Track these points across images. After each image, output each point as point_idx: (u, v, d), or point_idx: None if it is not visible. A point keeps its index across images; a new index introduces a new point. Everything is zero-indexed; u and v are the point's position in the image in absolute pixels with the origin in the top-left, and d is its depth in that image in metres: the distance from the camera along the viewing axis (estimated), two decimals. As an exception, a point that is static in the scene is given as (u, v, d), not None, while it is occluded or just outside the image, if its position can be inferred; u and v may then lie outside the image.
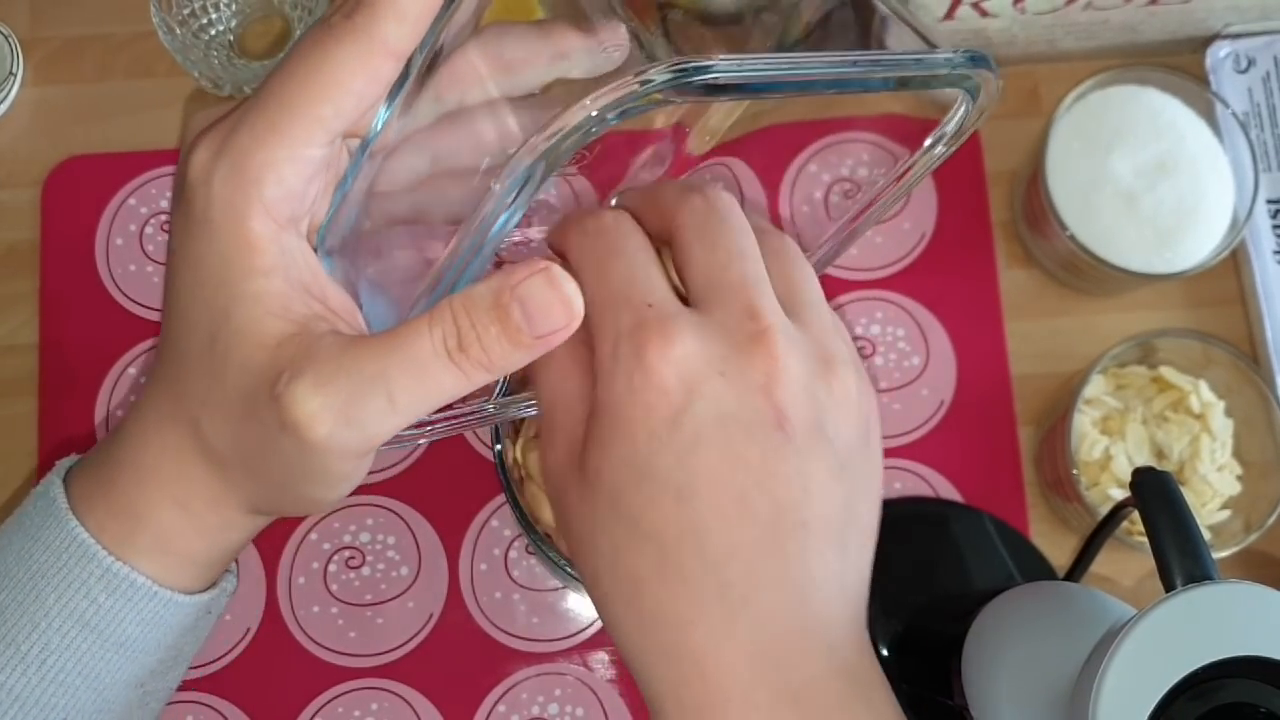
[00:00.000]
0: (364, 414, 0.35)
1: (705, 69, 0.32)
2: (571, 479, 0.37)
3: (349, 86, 0.36)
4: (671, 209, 0.38)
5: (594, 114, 0.32)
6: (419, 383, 0.35)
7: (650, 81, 0.32)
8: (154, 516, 0.40)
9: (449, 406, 0.40)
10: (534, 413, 0.51)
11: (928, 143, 0.39)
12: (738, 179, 0.67)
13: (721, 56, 0.32)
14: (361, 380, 0.35)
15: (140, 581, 0.40)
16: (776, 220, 0.67)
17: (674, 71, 0.32)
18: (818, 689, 0.35)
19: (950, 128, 0.38)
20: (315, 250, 0.38)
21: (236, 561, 0.45)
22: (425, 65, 0.37)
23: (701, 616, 0.35)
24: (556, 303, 0.34)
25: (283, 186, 0.36)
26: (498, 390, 0.46)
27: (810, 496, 0.36)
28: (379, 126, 0.37)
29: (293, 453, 0.36)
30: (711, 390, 0.35)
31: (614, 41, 0.40)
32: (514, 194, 0.33)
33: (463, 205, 0.38)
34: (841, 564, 0.37)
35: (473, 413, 0.45)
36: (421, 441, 0.54)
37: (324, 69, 0.35)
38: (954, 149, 0.39)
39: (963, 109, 0.37)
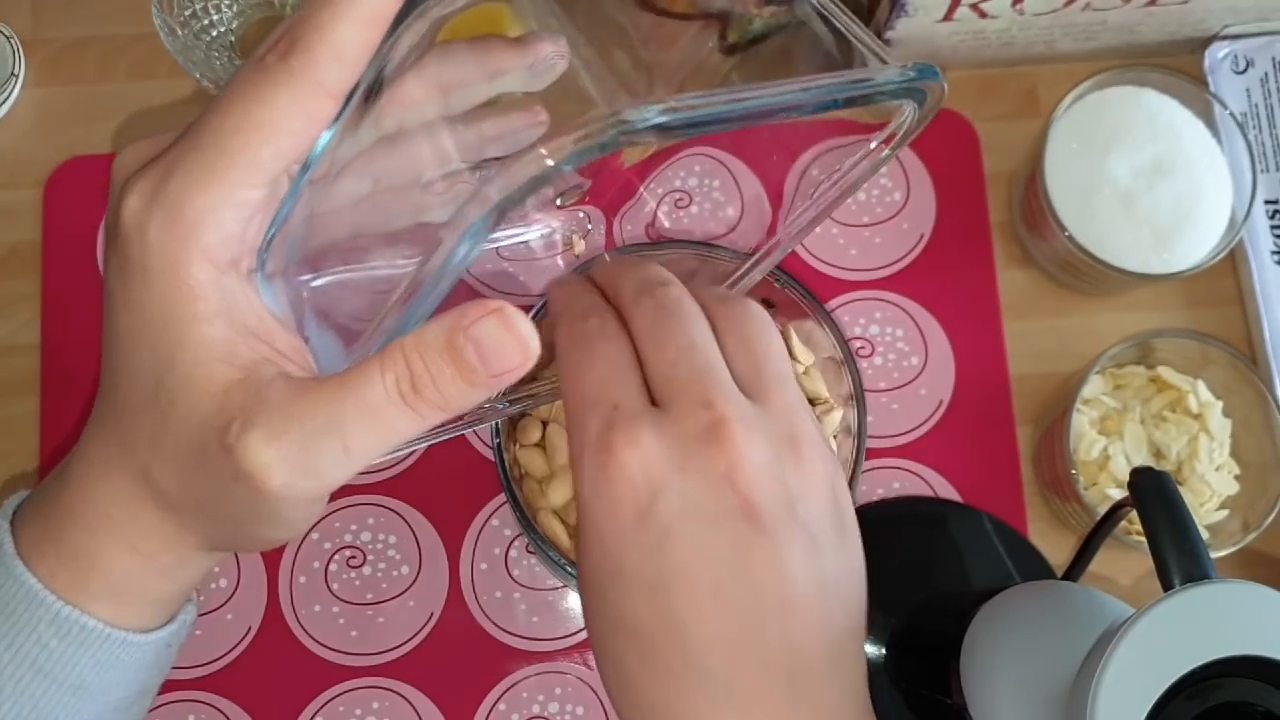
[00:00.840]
0: (319, 462, 0.35)
1: (657, 116, 0.32)
2: (578, 568, 0.38)
3: (286, 128, 0.35)
4: (628, 313, 0.39)
5: (549, 165, 0.31)
6: (373, 428, 0.35)
7: (604, 131, 0.31)
8: (107, 562, 0.39)
9: None
10: (536, 405, 0.51)
11: (872, 145, 0.40)
12: (737, 179, 0.67)
13: (673, 100, 0.32)
14: (315, 428, 0.35)
15: (93, 625, 0.39)
16: (776, 198, 0.67)
17: (620, 123, 0.31)
18: None
19: (899, 134, 0.39)
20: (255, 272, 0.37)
21: (197, 590, 0.44)
22: (365, 93, 0.36)
23: (687, 707, 0.36)
24: (511, 343, 0.34)
25: (221, 231, 0.35)
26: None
27: (787, 579, 0.36)
28: (318, 153, 0.36)
29: (246, 500, 0.36)
30: (675, 486, 0.36)
31: (555, 51, 0.40)
32: (466, 245, 0.32)
33: (401, 220, 0.39)
34: (825, 639, 0.37)
35: (473, 414, 0.45)
36: (421, 446, 0.54)
37: (260, 111, 0.34)
38: (897, 150, 0.39)
39: (909, 116, 0.38)
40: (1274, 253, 0.66)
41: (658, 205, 0.67)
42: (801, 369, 0.56)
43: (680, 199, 0.67)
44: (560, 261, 0.66)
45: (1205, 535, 0.60)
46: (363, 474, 0.64)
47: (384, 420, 0.35)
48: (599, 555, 0.36)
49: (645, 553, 0.36)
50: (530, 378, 0.48)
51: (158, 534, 0.39)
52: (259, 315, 0.37)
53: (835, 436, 0.55)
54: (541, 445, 0.55)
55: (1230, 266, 0.67)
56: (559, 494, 0.54)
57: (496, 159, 0.42)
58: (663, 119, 0.32)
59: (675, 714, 0.36)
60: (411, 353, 0.34)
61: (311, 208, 0.37)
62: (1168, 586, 0.41)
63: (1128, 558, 0.62)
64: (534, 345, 0.34)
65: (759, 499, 0.36)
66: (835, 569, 0.37)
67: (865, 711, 0.38)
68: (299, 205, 0.37)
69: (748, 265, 0.48)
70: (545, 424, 0.55)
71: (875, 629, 0.62)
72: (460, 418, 0.44)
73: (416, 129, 0.39)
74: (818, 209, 0.43)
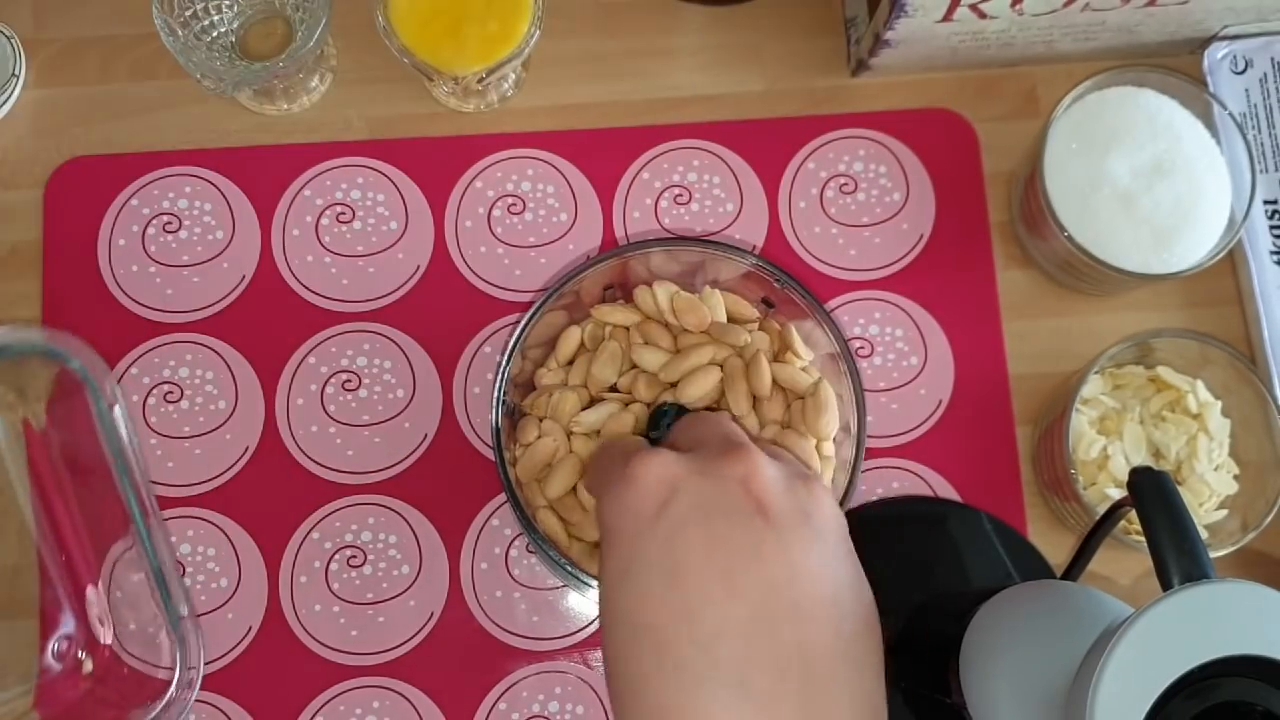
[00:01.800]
0: None
1: None
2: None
3: None
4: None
5: None
6: None
7: None
8: None
9: None
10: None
11: None
12: (738, 178, 0.67)
13: None
14: None
15: None
16: (775, 214, 0.67)
17: None
18: None
19: None
20: None
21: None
22: None
23: (698, 703, 0.36)
24: None
25: None
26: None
27: (799, 578, 0.37)
28: None
29: None
30: (692, 485, 0.38)
31: None
32: None
33: None
34: (839, 644, 0.37)
35: None
36: None
37: None
38: None
39: None
40: (1273, 253, 0.66)
41: (657, 200, 0.67)
42: (801, 364, 0.56)
43: (680, 195, 0.67)
44: (570, 246, 0.66)
45: (1204, 535, 0.60)
46: (363, 474, 0.64)
47: None
48: (618, 556, 0.38)
49: (662, 541, 0.37)
50: None
51: None
52: None
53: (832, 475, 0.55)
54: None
55: (1229, 266, 0.67)
56: (555, 486, 0.54)
57: None
58: None
59: (688, 714, 0.36)
60: None
61: None
62: (1167, 586, 0.41)
63: (1127, 557, 0.62)
64: None
65: (771, 500, 0.37)
66: (851, 580, 0.38)
67: None
68: None
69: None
70: (541, 420, 0.56)
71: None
72: None
73: None
74: None
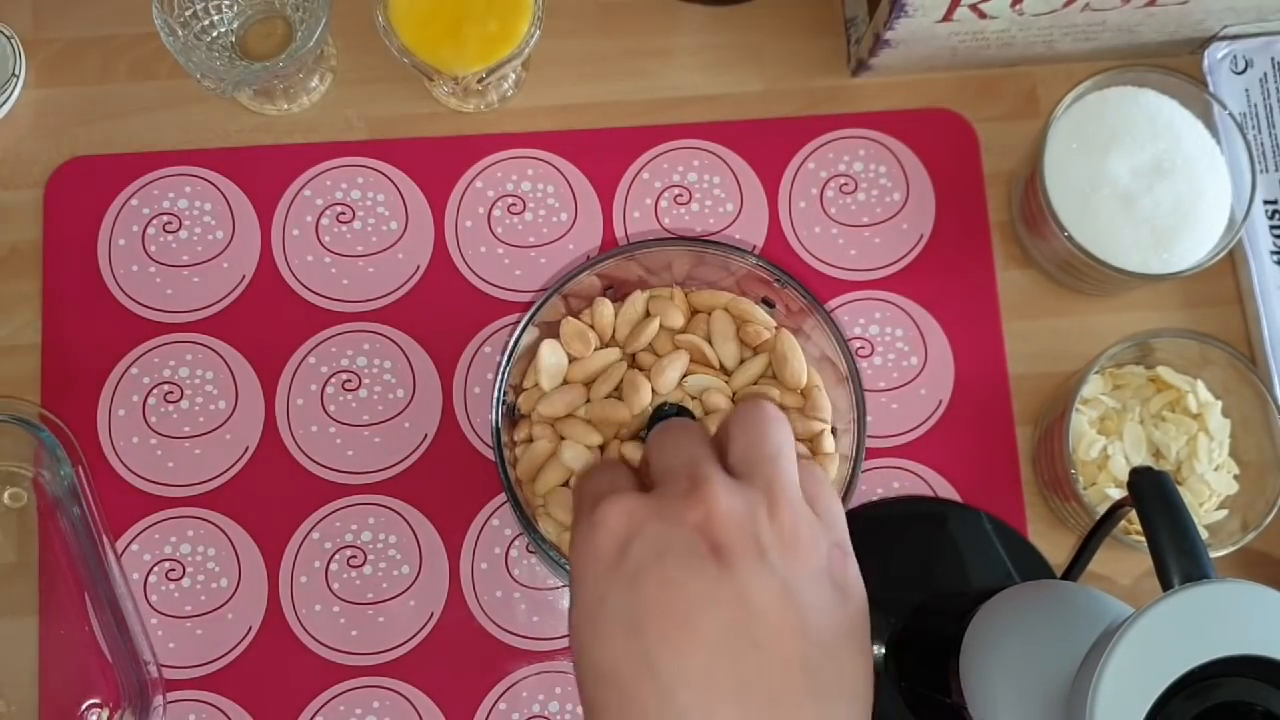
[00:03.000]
0: None
1: None
2: None
3: None
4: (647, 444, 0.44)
5: None
6: None
7: None
8: None
9: None
10: None
11: None
12: (738, 178, 0.67)
13: None
14: None
15: None
16: (775, 214, 0.67)
17: None
18: None
19: None
20: None
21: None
22: None
23: None
24: None
25: None
26: None
27: (756, 618, 0.37)
28: None
29: None
30: (651, 531, 0.38)
31: None
32: None
33: None
34: (808, 684, 0.37)
35: None
36: None
37: None
38: None
39: None
40: (1273, 253, 0.66)
41: (657, 200, 0.67)
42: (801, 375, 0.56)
43: (680, 195, 0.67)
44: (570, 246, 0.66)
45: (1204, 535, 0.60)
46: (363, 474, 0.64)
47: None
48: (583, 601, 0.39)
49: (621, 590, 0.38)
50: None
51: None
52: None
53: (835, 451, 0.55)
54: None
55: (1229, 266, 0.67)
56: (544, 483, 0.54)
57: None
58: None
59: None
60: None
61: None
62: (1167, 586, 0.41)
63: (1127, 557, 0.62)
64: None
65: (727, 541, 0.38)
66: (825, 602, 0.39)
67: None
68: None
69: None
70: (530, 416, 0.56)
71: (875, 629, 0.62)
72: None
73: None
74: None
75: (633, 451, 0.53)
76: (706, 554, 0.38)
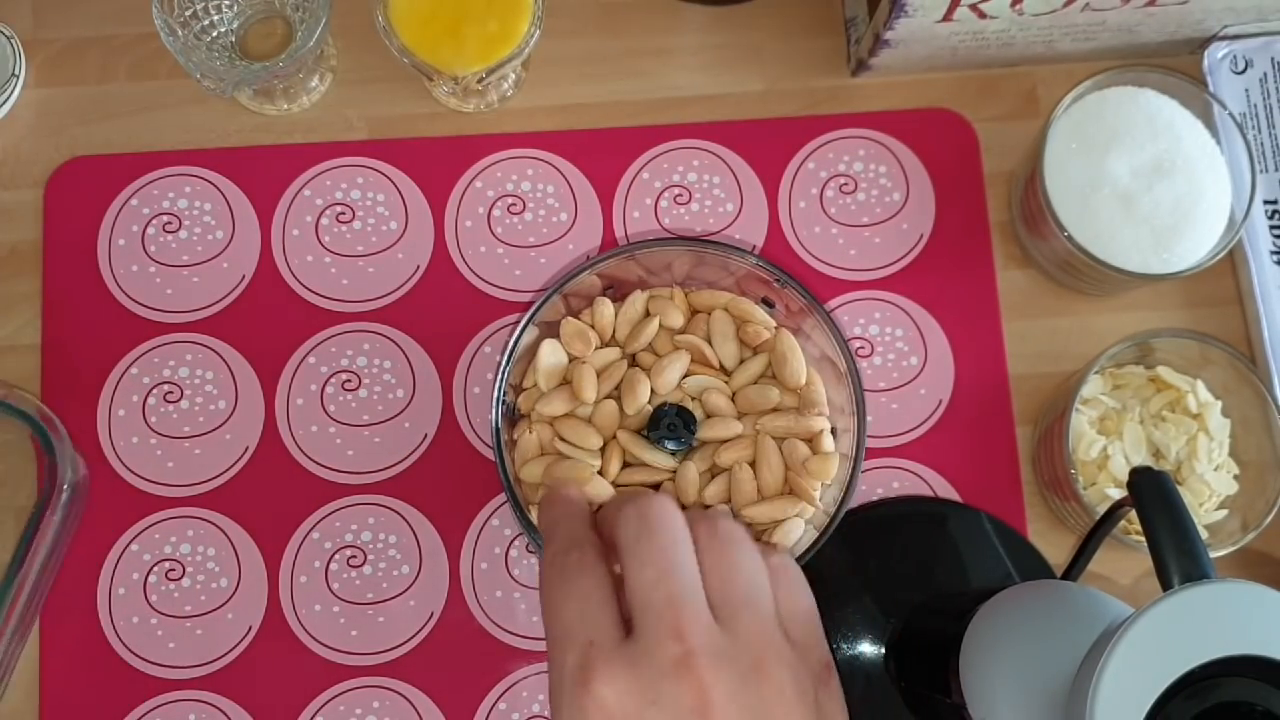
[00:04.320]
0: None
1: None
2: None
3: None
4: (610, 525, 0.43)
5: None
6: None
7: None
8: None
9: None
10: None
11: None
12: (738, 178, 0.67)
13: None
14: None
15: None
16: (775, 214, 0.67)
17: None
18: None
19: None
20: None
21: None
22: None
23: None
24: None
25: None
26: None
27: None
28: None
29: None
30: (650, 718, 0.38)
31: None
32: None
33: None
34: None
35: None
36: None
37: None
38: None
39: None
40: (1273, 253, 0.66)
41: (657, 200, 0.67)
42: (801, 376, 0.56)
43: (680, 195, 0.67)
44: (570, 246, 0.66)
45: (1204, 535, 0.60)
46: (363, 474, 0.64)
47: None
48: None
49: None
50: None
51: None
52: None
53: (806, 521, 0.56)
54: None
55: (1229, 266, 0.67)
56: (528, 472, 0.54)
57: None
58: None
59: None
60: None
61: None
62: (1167, 586, 0.41)
63: (1127, 557, 0.62)
64: None
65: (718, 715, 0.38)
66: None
67: None
68: None
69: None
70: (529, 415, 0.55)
71: (875, 629, 0.62)
72: None
73: None
74: None
75: (631, 444, 0.53)
76: None
